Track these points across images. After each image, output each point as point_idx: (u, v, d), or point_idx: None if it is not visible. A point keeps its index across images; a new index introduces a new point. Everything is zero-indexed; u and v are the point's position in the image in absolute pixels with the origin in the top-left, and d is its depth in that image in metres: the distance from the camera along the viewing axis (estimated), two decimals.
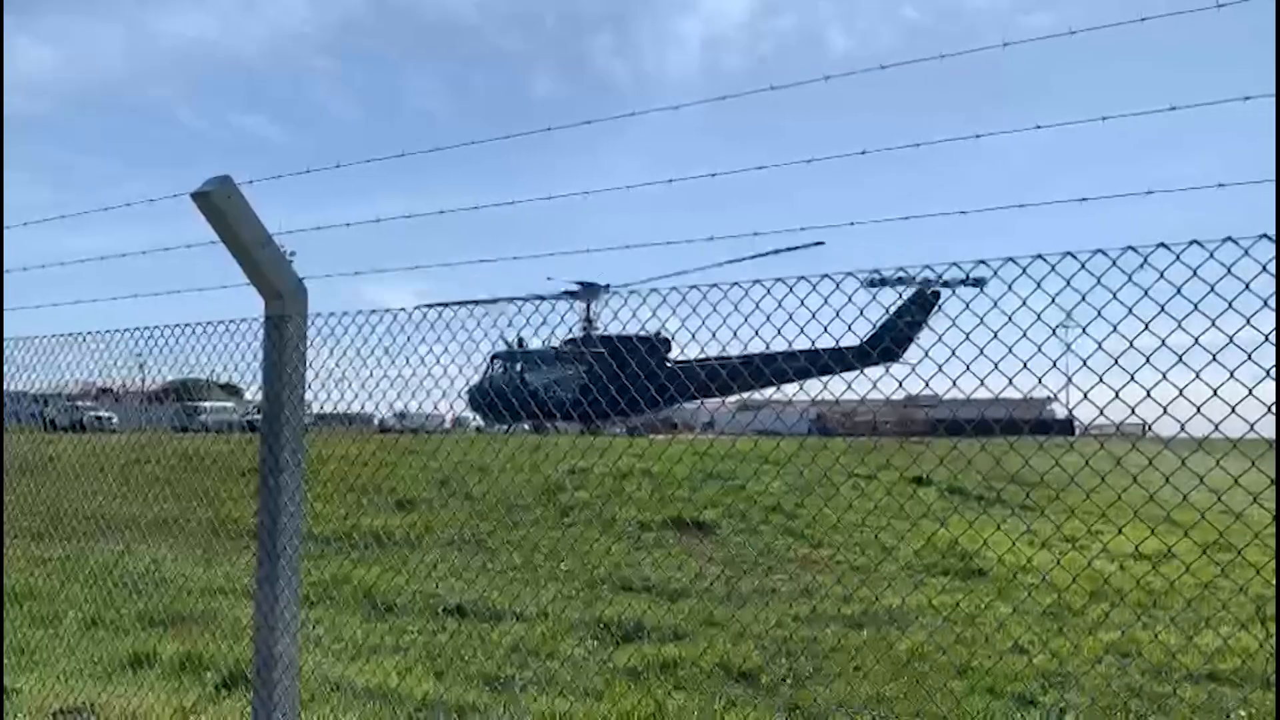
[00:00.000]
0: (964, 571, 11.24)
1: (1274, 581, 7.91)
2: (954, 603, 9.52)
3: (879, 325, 3.58)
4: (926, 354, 3.15)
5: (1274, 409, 2.60)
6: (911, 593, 9.95)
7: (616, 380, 5.33)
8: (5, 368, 6.39)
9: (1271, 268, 2.57)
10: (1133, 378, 2.72)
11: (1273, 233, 2.54)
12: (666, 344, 8.39)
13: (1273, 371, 2.59)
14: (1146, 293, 2.63)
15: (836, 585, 10.33)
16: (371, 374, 4.69)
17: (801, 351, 3.74)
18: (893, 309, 3.35)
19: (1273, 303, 2.58)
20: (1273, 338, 2.60)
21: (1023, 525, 12.22)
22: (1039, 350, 2.89)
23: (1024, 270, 2.82)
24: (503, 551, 12.17)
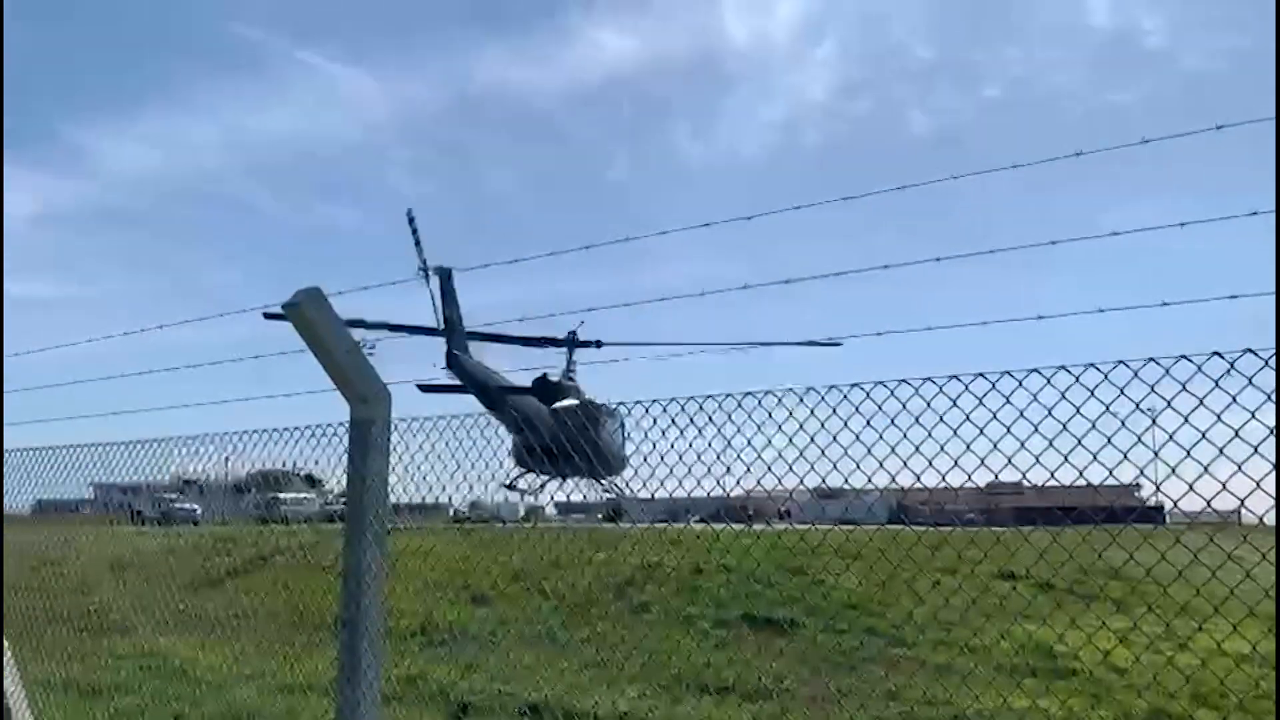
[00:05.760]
0: (1054, 672, 10.77)
1: None
2: (1048, 708, 9.12)
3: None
4: (1010, 461, 3.11)
5: None
6: (1006, 699, 9.55)
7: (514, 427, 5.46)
8: (106, 470, 6.66)
9: None
10: (1224, 487, 2.66)
11: None
12: (552, 389, 8.40)
13: None
14: (1235, 399, 2.58)
15: (929, 689, 9.99)
16: (452, 476, 4.78)
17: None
18: None
19: None
20: None
21: (1115, 623, 11.73)
22: (1125, 458, 2.84)
23: (1105, 376, 2.79)
24: (577, 648, 12.04)
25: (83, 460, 6.72)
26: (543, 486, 6.58)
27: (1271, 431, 2.63)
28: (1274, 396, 2.59)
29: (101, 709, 8.90)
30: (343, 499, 4.64)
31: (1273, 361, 2.52)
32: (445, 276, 8.60)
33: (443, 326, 8.60)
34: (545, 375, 8.25)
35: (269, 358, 5.34)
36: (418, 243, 8.85)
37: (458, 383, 8.59)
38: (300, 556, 15.41)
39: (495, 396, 8.14)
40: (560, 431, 5.38)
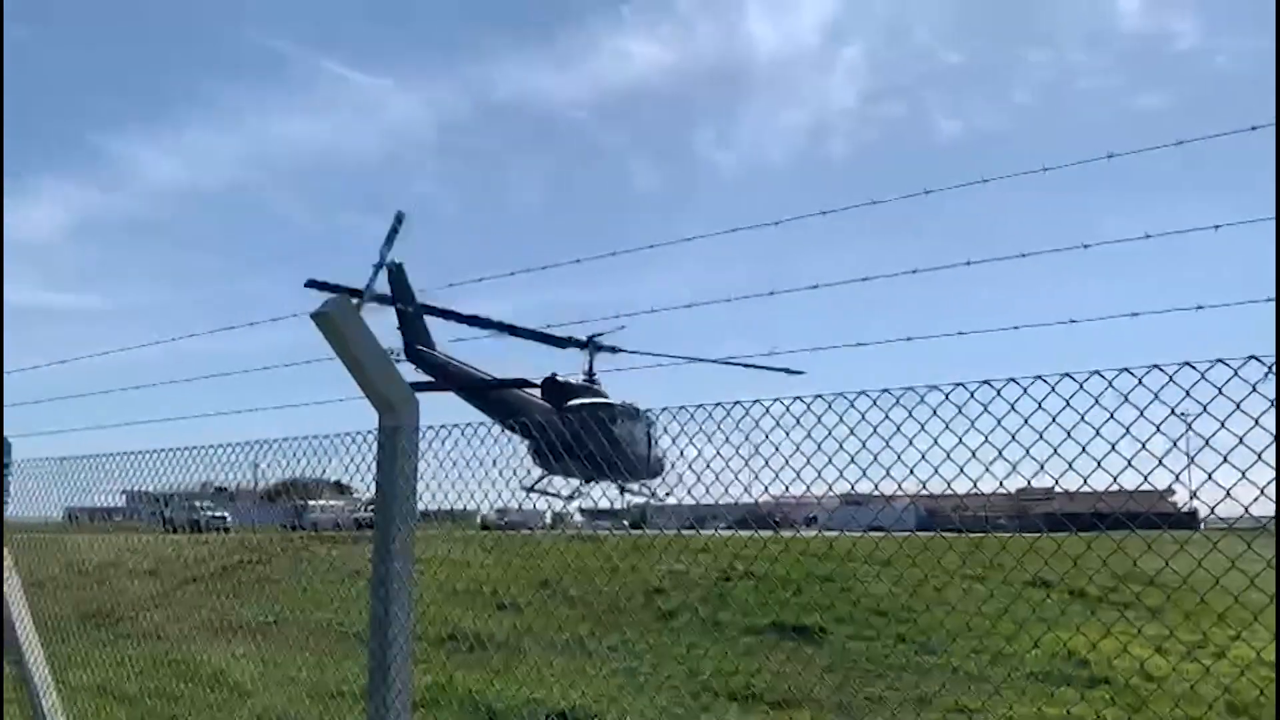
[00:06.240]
0: (1087, 681, 10.63)
1: None
2: (1082, 716, 8.99)
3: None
4: (1042, 466, 3.08)
5: None
6: (1039, 708, 9.43)
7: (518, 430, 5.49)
8: (135, 477, 6.72)
9: None
10: (1263, 492, 2.62)
11: None
12: (562, 389, 8.22)
13: None
14: (1273, 404, 2.54)
15: (960, 697, 9.88)
16: (480, 483, 4.79)
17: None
18: None
19: None
20: None
21: (1150, 630, 11.54)
22: (1160, 463, 2.80)
23: (1140, 381, 2.75)
24: (605, 656, 12.02)
25: (115, 469, 6.80)
26: (577, 491, 6.51)
27: None
28: (1274, 402, 2.55)
29: (135, 715, 8.98)
30: (371, 506, 4.66)
31: None
32: (396, 269, 8.60)
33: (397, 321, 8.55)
34: (554, 376, 8.16)
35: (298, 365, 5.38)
36: (390, 241, 8.81)
37: (429, 379, 8.47)
38: (330, 563, 15.51)
39: (484, 395, 8.02)
40: (583, 433, 5.30)
